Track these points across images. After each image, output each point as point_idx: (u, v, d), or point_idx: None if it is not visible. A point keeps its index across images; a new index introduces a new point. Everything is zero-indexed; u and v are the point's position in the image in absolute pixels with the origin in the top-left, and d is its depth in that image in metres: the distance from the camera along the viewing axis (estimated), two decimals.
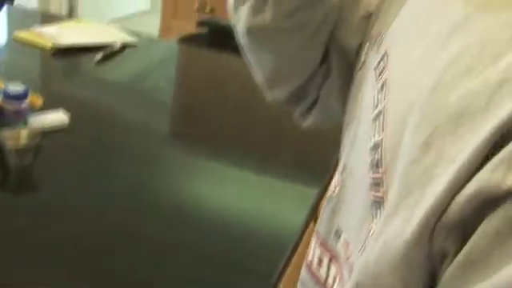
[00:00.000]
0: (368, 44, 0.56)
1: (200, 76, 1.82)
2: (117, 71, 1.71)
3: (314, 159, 1.43)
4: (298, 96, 0.70)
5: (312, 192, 1.21)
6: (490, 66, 0.33)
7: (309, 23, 0.62)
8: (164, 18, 3.58)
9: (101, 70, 1.67)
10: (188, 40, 2.68)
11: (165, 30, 3.56)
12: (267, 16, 0.60)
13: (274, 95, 0.70)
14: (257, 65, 0.68)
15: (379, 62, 0.48)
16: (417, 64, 0.41)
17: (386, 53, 0.48)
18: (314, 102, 0.70)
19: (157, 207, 1.11)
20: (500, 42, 0.34)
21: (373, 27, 0.57)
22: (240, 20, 0.63)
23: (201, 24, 2.72)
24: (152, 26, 3.84)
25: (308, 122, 0.72)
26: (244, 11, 0.62)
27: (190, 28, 2.94)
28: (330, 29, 0.64)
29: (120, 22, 4.68)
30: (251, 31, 0.63)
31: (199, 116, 1.54)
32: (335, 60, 0.65)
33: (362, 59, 0.56)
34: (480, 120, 0.32)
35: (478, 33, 0.36)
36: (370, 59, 0.53)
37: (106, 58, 1.69)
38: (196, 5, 3.16)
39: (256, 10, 0.61)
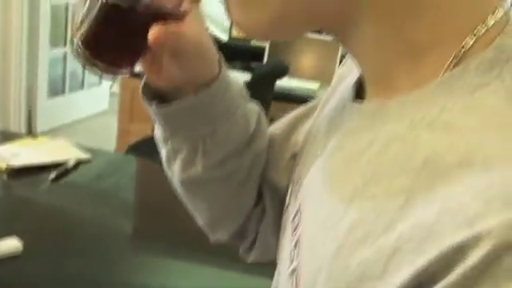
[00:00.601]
0: (291, 187, 0.59)
1: (157, 184, 1.85)
2: (71, 187, 1.73)
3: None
4: (237, 237, 0.72)
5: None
6: (384, 235, 0.36)
7: (238, 170, 0.65)
8: (121, 121, 3.63)
9: (55, 188, 1.69)
10: (142, 144, 2.72)
11: (122, 132, 3.61)
12: (198, 168, 0.63)
13: (216, 237, 0.73)
14: (195, 212, 0.71)
15: (295, 216, 0.51)
16: (322, 226, 0.44)
17: (299, 208, 0.51)
18: (255, 240, 0.73)
19: None
20: (391, 211, 0.36)
21: (295, 169, 0.60)
22: (174, 174, 0.67)
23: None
24: (111, 127, 3.89)
25: (251, 257, 0.74)
26: (176, 166, 0.65)
27: (148, 130, 2.98)
28: (260, 172, 0.67)
29: (80, 122, 4.73)
30: (184, 183, 0.66)
31: (159, 215, 1.56)
32: (268, 200, 0.68)
33: (287, 202, 0.59)
34: (377, 287, 0.35)
35: (372, 200, 0.39)
36: (291, 206, 0.55)
37: (60, 176, 1.72)
38: None
39: (187, 164, 0.64)
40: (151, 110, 0.62)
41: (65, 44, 4.83)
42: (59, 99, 4.79)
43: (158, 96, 0.62)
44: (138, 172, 2.08)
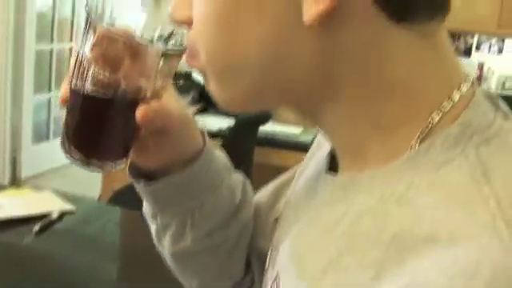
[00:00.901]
0: (270, 251, 0.60)
1: (142, 230, 1.85)
2: (56, 236, 1.73)
3: None
4: None
5: None
6: None
7: (226, 241, 0.66)
8: None
9: (39, 238, 1.68)
10: (127, 190, 2.71)
11: (107, 177, 3.60)
12: (187, 241, 0.65)
13: None
14: (185, 283, 0.72)
15: (273, 282, 0.52)
16: None
17: (277, 275, 0.52)
18: None
19: None
20: (363, 283, 0.38)
21: (275, 234, 0.60)
22: (164, 248, 0.68)
23: None
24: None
25: None
26: (166, 242, 0.66)
27: None
28: (247, 241, 0.68)
29: (65, 168, 4.69)
30: (174, 256, 0.67)
31: (145, 260, 1.56)
32: (256, 268, 0.69)
33: (266, 266, 0.60)
34: None
35: (345, 272, 0.40)
36: (270, 271, 0.56)
37: (44, 228, 1.72)
38: None
39: (176, 237, 0.65)
40: (139, 187, 0.63)
41: (49, 89, 4.83)
42: (44, 145, 4.76)
43: (144, 174, 0.63)
44: (122, 220, 2.08)
